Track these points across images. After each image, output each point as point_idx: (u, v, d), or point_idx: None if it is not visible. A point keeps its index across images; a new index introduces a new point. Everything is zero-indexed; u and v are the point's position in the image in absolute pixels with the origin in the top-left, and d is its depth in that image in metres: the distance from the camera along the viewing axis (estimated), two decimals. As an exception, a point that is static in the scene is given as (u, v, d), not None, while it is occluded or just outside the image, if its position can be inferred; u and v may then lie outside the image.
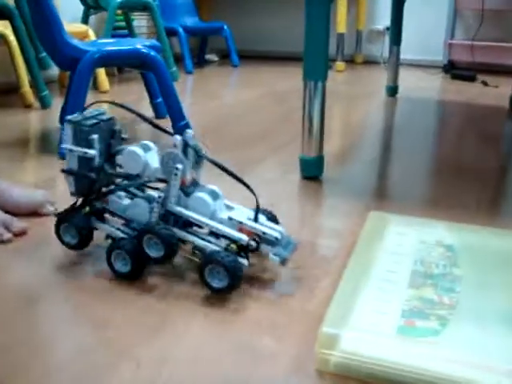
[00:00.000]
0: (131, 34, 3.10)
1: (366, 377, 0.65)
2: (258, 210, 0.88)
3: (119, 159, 0.94)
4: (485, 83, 3.07)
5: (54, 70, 2.70)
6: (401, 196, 1.30)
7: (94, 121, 0.92)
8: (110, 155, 0.94)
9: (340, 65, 3.61)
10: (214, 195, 0.90)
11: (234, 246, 0.85)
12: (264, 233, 0.86)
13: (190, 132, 0.90)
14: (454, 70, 3.50)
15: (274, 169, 1.49)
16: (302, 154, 1.40)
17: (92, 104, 0.97)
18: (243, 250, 0.86)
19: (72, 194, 0.95)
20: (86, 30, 2.66)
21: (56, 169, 1.32)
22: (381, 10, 3.87)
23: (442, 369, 0.62)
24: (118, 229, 0.93)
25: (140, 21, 3.47)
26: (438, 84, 3.18)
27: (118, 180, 0.96)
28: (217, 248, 0.86)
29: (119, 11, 2.97)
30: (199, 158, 0.90)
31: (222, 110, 2.34)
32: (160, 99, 1.92)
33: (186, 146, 0.88)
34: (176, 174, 0.87)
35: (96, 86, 2.70)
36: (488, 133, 1.98)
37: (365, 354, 0.65)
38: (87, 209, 0.94)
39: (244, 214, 0.90)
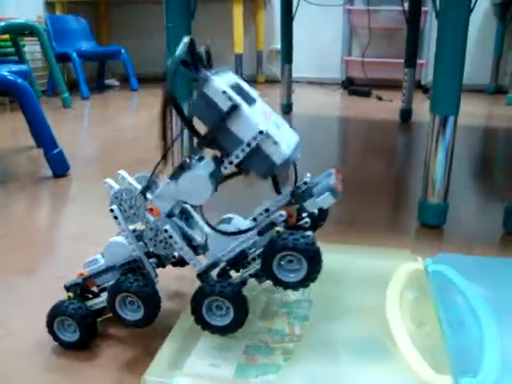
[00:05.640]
0: (21, 60, 2.95)
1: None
2: (276, 182, 0.72)
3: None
4: (379, 98, 3.14)
5: None
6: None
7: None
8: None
9: (239, 85, 3.59)
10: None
11: (280, 229, 0.64)
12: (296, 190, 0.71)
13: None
14: (352, 86, 3.58)
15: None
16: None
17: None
18: (295, 228, 0.67)
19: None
20: (-37, 57, 2.50)
21: None
22: (279, 29, 3.90)
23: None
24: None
25: (34, 46, 3.30)
26: (335, 100, 3.23)
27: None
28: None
29: (5, 36, 2.82)
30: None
31: (115, 134, 2.24)
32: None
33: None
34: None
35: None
36: (381, 146, 2.01)
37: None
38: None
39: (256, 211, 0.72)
